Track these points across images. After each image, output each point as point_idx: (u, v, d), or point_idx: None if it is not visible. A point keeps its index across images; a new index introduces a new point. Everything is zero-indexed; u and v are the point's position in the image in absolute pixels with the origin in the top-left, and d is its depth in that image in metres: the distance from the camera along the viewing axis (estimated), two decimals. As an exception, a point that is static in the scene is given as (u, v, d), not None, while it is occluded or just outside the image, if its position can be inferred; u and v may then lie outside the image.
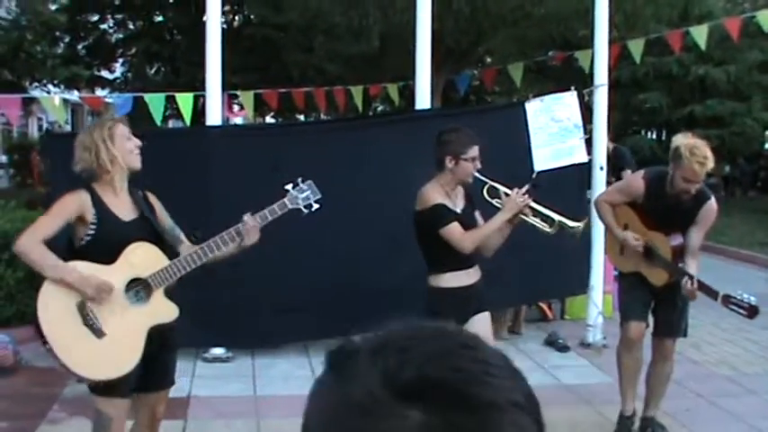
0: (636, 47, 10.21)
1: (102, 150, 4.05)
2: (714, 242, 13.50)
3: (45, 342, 3.93)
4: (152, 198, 4.37)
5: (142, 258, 4.11)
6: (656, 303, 5.49)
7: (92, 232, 4.03)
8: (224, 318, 7.22)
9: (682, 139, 5.07)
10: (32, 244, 3.94)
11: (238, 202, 7.13)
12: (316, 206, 4.46)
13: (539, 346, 7.89)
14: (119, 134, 4.12)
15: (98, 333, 3.97)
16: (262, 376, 7.03)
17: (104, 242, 4.03)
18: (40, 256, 3.92)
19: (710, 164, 5.01)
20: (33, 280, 7.64)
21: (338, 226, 7.01)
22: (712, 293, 5.00)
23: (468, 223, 4.88)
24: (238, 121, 30.74)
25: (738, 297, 4.95)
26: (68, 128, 30.86)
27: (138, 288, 4.09)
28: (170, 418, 5.01)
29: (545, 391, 6.50)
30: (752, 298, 4.93)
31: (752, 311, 4.91)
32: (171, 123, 18.94)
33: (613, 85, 18.70)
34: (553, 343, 7.83)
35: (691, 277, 5.03)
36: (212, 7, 7.32)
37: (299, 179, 4.48)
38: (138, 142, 4.19)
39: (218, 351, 7.40)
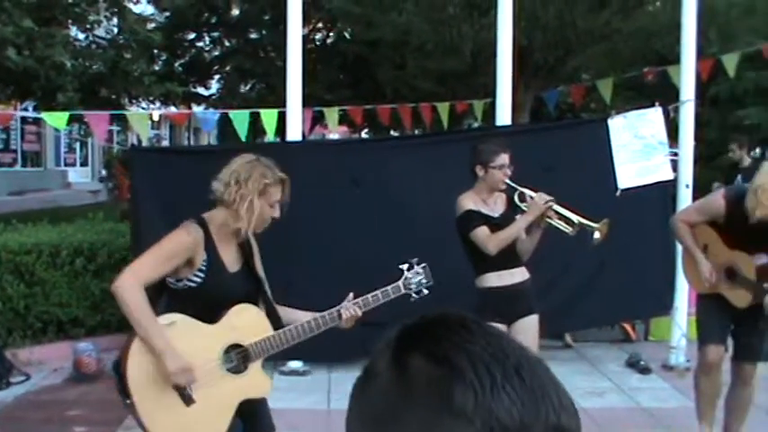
0: (730, 61, 9.95)
1: (247, 199, 3.64)
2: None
3: (128, 397, 3.63)
4: (252, 242, 3.99)
5: (246, 323, 3.77)
6: (737, 326, 5.28)
7: (198, 280, 3.69)
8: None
9: (762, 171, 4.86)
10: (132, 289, 3.55)
11: (318, 216, 7.29)
12: (425, 292, 4.16)
13: (620, 367, 7.69)
14: (269, 195, 3.72)
15: (187, 400, 3.65)
16: (337, 391, 7.04)
17: (208, 295, 3.70)
18: (138, 311, 3.55)
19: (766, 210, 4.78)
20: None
21: (416, 241, 6.98)
22: None
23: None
24: (334, 137, 31.03)
25: None
26: (166, 143, 31.87)
27: (236, 356, 3.76)
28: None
29: (622, 413, 6.40)
30: None
31: None
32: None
33: (712, 102, 18.26)
34: (634, 364, 7.63)
35: None
36: (293, 24, 7.41)
37: (415, 260, 4.19)
38: (277, 214, 3.79)
39: (295, 364, 7.44)
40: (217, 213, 3.78)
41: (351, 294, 3.98)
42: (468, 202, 5.12)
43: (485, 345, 0.87)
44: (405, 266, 4.14)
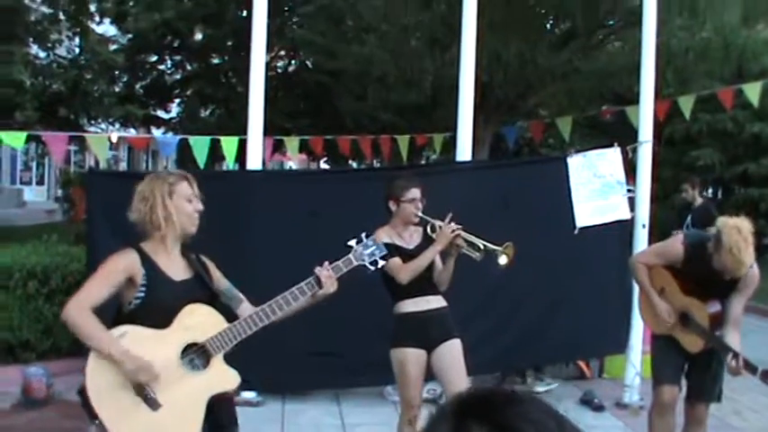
0: (685, 103, 10.10)
1: (159, 206, 3.78)
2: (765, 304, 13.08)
3: (94, 417, 3.63)
4: (206, 260, 4.07)
5: (199, 321, 3.81)
6: (690, 367, 5.34)
7: (141, 294, 3.76)
8: (256, 360, 7.16)
9: (727, 228, 4.86)
10: (80, 313, 3.66)
11: (275, 244, 7.25)
12: (382, 262, 4.28)
13: (573, 404, 7.69)
14: (179, 192, 3.85)
15: (153, 404, 3.66)
16: (291, 422, 6.98)
17: (156, 305, 3.75)
18: (87, 328, 3.64)
19: (745, 268, 4.88)
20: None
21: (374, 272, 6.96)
22: (751, 369, 4.85)
23: None
24: (293, 165, 30.87)
25: None
26: (124, 165, 31.60)
27: (195, 354, 3.78)
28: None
29: (575, 452, 6.38)
30: None
31: None
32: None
33: (668, 142, 18.55)
34: (588, 402, 7.65)
35: (736, 355, 4.86)
36: (257, 52, 7.41)
37: (363, 234, 4.26)
38: (199, 206, 3.90)
39: (248, 395, 7.35)
40: (150, 238, 3.89)
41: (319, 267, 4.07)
42: (383, 235, 5.23)
43: (543, 414, 0.92)
44: (353, 242, 4.21)
